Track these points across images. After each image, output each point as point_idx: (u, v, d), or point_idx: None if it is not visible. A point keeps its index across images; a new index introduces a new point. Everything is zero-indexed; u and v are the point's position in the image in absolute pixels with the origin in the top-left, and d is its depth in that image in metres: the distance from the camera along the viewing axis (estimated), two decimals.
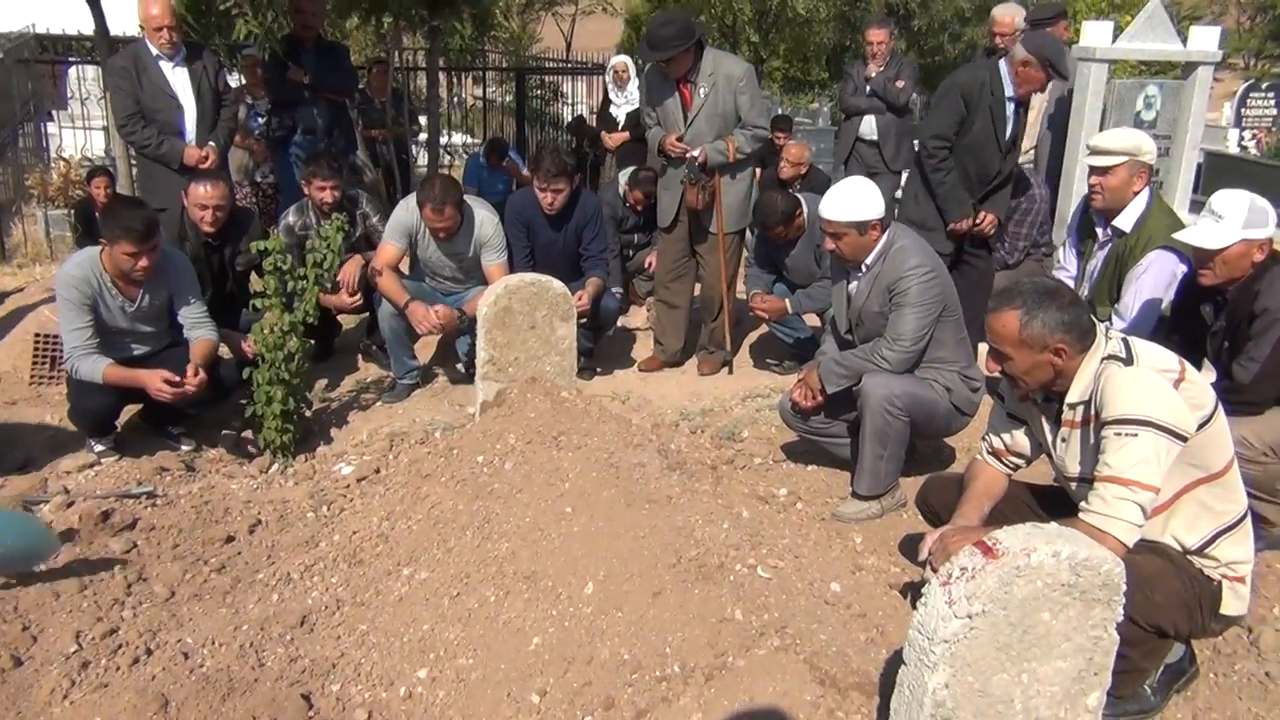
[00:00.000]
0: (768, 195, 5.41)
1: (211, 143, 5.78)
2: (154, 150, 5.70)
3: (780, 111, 12.62)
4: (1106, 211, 4.35)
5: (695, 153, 5.22)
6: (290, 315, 4.43)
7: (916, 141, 5.24)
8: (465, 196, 5.22)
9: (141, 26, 5.72)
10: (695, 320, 5.93)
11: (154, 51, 5.66)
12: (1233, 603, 2.69)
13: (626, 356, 6.05)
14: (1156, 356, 2.62)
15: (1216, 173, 10.06)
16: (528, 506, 3.20)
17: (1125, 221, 4.28)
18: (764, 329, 6.02)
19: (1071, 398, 2.69)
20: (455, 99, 13.86)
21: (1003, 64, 5.06)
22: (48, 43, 11.40)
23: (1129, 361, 2.58)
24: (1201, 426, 2.56)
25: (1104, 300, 4.38)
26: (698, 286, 5.83)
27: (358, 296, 5.34)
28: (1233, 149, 11.61)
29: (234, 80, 7.60)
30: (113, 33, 6.98)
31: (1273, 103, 12.09)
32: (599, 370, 5.74)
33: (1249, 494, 3.41)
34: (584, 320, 5.36)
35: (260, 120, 7.63)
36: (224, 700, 2.64)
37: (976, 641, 1.74)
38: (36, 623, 2.99)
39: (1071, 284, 4.62)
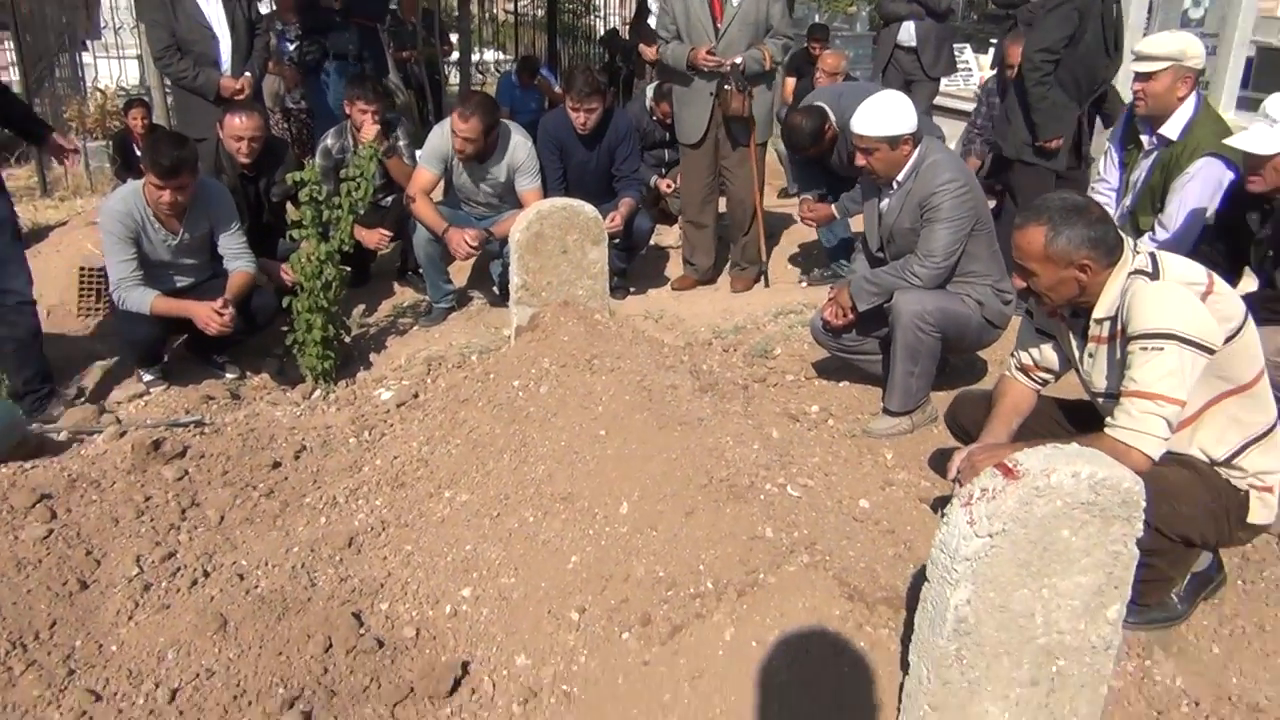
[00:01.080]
0: (791, 118, 5.33)
1: (247, 73, 5.81)
2: (190, 82, 5.74)
3: (817, 18, 12.33)
4: (1151, 119, 4.24)
5: (738, 60, 5.18)
6: (326, 244, 4.50)
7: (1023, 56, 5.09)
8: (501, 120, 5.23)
9: None
10: (722, 236, 5.92)
11: None
12: (1260, 512, 2.70)
13: (660, 275, 6.08)
14: (1183, 270, 2.59)
15: (1268, 68, 9.69)
16: (563, 430, 3.26)
17: (1172, 129, 4.16)
18: (793, 244, 6.01)
19: (1098, 313, 2.69)
20: (486, 15, 13.67)
21: None
22: None
23: (1155, 276, 2.56)
24: (1230, 339, 2.54)
25: (1147, 210, 4.30)
26: (722, 202, 5.82)
27: (386, 238, 5.40)
28: None
29: (264, 7, 7.58)
30: None
31: None
32: (632, 290, 5.78)
33: None
34: (617, 241, 5.38)
35: (290, 46, 7.63)
36: (280, 619, 2.76)
37: (997, 559, 1.78)
38: (99, 548, 3.12)
39: (1112, 195, 4.54)
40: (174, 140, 4.34)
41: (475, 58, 11.03)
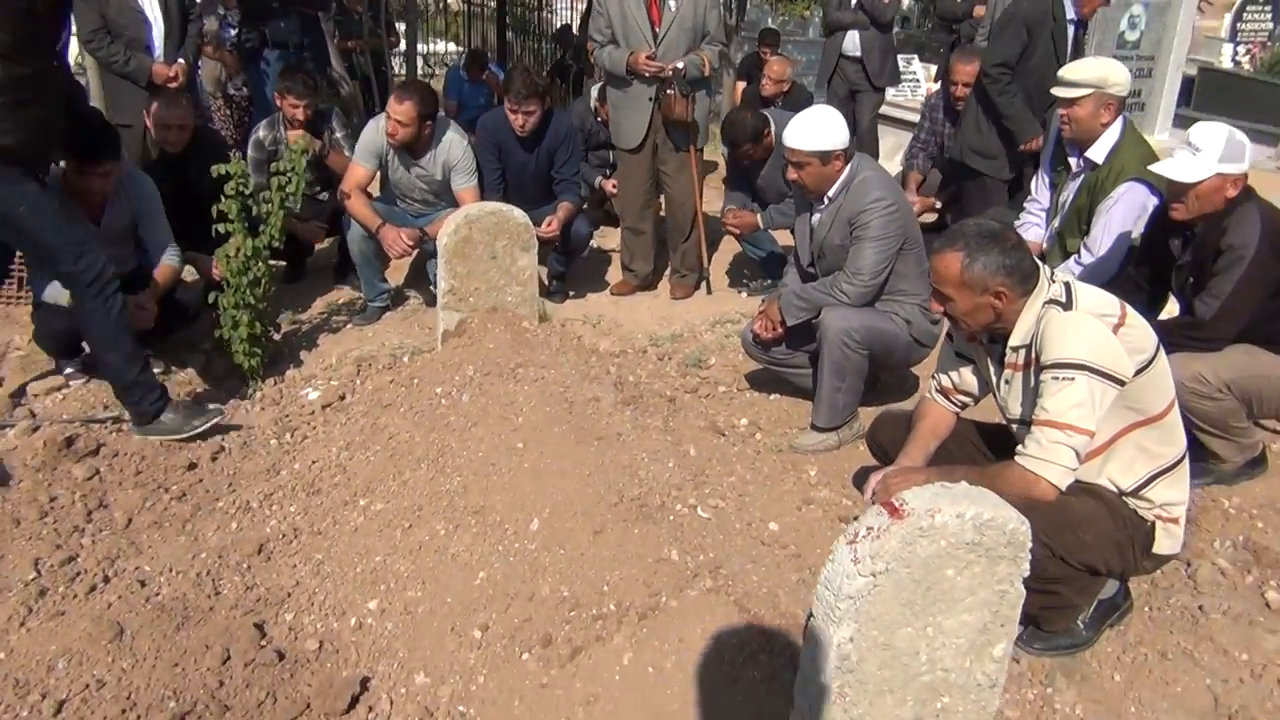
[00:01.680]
0: (737, 114, 5.35)
1: (180, 60, 5.68)
2: (121, 67, 5.60)
3: (770, 22, 12.35)
4: (1078, 142, 4.30)
5: (680, 64, 5.17)
6: (255, 240, 4.41)
7: (980, 68, 5.42)
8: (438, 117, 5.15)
9: None
10: (661, 241, 5.91)
11: None
12: (1165, 542, 2.74)
13: (599, 279, 6.05)
14: (1096, 301, 2.62)
15: (1209, 88, 9.84)
16: (481, 441, 3.23)
17: (1098, 153, 4.23)
18: (733, 253, 6.02)
19: (1014, 341, 2.70)
20: (438, 4, 13.54)
21: None
22: None
23: (1068, 306, 2.59)
24: (1141, 371, 2.57)
25: (1074, 232, 4.36)
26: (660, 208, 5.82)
27: (321, 231, 5.32)
28: (1226, 64, 11.38)
29: None
30: None
31: (1269, 17, 11.81)
32: (571, 294, 5.74)
33: (1202, 430, 3.48)
34: (556, 245, 5.35)
35: (232, 31, 7.49)
36: (178, 629, 2.70)
37: (880, 598, 1.78)
38: None
39: (1043, 215, 4.59)
40: (95, 123, 4.22)
41: (423, 49, 10.90)
